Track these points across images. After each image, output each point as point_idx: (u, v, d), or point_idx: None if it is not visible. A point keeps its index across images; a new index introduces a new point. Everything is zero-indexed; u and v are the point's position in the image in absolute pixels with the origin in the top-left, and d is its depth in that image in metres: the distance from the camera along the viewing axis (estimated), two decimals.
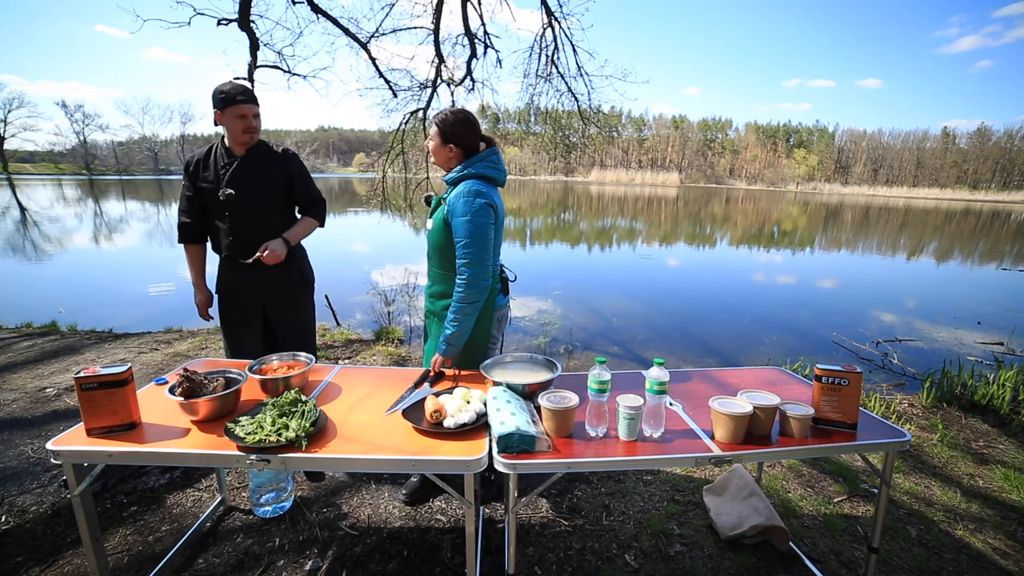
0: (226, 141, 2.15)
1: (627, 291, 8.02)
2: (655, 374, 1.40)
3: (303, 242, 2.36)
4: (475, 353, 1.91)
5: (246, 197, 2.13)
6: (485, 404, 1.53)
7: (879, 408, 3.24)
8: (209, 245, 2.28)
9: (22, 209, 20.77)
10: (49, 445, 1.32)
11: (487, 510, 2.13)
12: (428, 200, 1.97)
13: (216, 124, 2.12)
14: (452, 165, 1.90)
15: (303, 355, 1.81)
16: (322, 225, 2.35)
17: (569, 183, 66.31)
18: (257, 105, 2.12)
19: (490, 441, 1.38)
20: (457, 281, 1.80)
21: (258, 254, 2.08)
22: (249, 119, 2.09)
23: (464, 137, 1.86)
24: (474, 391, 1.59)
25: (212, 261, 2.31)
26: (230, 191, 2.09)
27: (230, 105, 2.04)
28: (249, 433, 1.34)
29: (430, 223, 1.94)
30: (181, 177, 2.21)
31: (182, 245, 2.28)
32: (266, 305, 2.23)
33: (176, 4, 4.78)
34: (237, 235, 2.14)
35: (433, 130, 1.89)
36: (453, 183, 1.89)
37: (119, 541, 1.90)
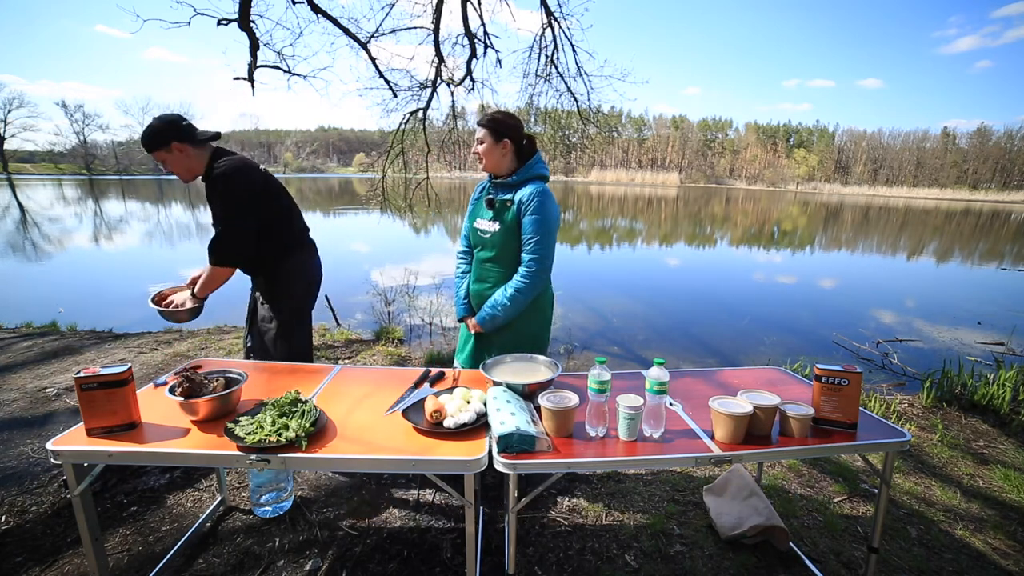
0: None
1: (627, 291, 8.01)
2: (655, 374, 1.40)
3: (299, 252, 2.22)
4: (541, 335, 2.09)
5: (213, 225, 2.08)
6: (485, 404, 1.53)
7: (879, 408, 3.24)
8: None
9: (22, 209, 20.77)
10: (49, 445, 1.32)
11: (487, 510, 2.13)
12: (491, 203, 1.98)
13: None
14: (506, 163, 1.94)
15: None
16: (217, 265, 2.01)
17: (569, 183, 66.28)
18: (156, 150, 1.94)
19: (490, 441, 1.38)
20: (523, 271, 1.91)
21: (166, 294, 2.10)
22: (165, 166, 1.99)
23: (516, 130, 1.93)
24: (474, 391, 1.59)
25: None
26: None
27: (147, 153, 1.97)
28: (249, 433, 1.34)
29: (495, 225, 1.95)
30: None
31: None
32: (253, 314, 2.27)
33: (176, 4, 4.79)
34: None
35: (482, 132, 1.91)
36: (518, 184, 1.93)
37: (119, 541, 1.90)
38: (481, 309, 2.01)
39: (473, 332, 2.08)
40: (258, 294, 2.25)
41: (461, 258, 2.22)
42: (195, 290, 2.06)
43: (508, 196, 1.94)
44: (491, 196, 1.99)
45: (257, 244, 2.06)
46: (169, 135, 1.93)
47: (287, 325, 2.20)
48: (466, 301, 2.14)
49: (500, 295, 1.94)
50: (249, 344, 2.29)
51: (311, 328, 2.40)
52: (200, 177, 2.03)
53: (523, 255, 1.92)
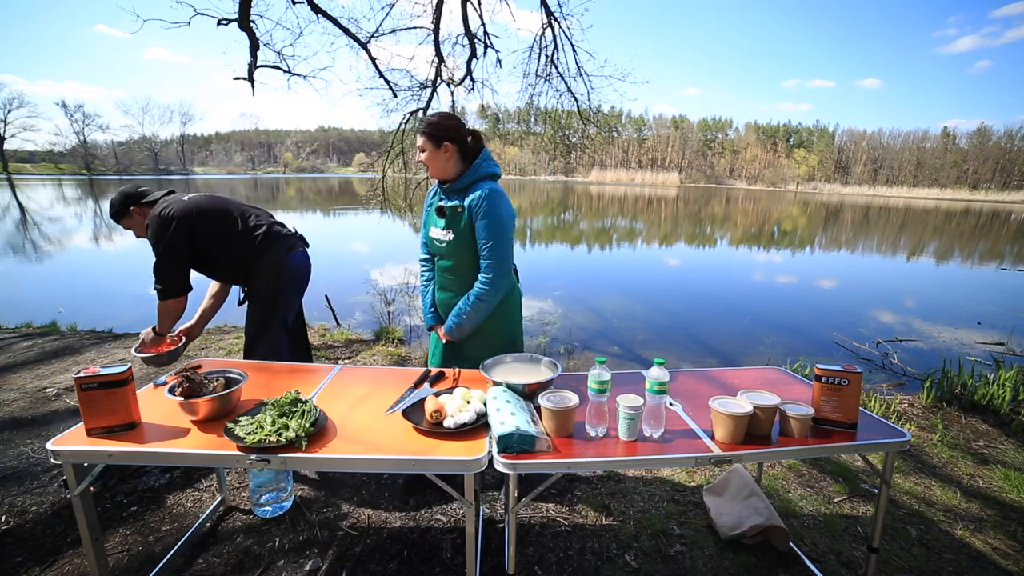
0: None
1: (627, 291, 8.01)
2: (655, 374, 1.40)
3: (273, 249, 2.28)
4: (514, 342, 2.06)
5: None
6: (485, 404, 1.53)
7: (879, 408, 3.24)
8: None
9: (22, 209, 20.77)
10: (49, 445, 1.32)
11: (487, 510, 2.13)
12: (442, 211, 1.92)
13: None
14: (451, 167, 1.88)
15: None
16: (160, 299, 2.17)
17: (569, 183, 66.31)
18: (120, 220, 2.26)
19: (490, 441, 1.38)
20: (481, 278, 1.87)
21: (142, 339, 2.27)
22: (132, 227, 2.27)
23: (456, 131, 1.85)
24: (474, 391, 1.59)
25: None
26: None
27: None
28: (249, 433, 1.34)
29: (448, 234, 1.90)
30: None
31: None
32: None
33: (176, 4, 4.79)
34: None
35: (421, 140, 1.84)
36: (467, 187, 1.87)
37: (119, 541, 1.90)
38: (447, 319, 1.98)
39: (444, 341, 2.06)
40: (247, 296, 2.37)
41: (424, 265, 2.16)
42: (157, 326, 2.25)
43: (457, 202, 1.87)
44: (441, 204, 1.92)
45: (222, 260, 2.27)
46: (128, 203, 2.23)
47: (265, 325, 2.30)
48: (432, 310, 2.11)
49: (463, 303, 1.91)
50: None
51: (305, 325, 2.46)
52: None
53: (481, 261, 1.87)
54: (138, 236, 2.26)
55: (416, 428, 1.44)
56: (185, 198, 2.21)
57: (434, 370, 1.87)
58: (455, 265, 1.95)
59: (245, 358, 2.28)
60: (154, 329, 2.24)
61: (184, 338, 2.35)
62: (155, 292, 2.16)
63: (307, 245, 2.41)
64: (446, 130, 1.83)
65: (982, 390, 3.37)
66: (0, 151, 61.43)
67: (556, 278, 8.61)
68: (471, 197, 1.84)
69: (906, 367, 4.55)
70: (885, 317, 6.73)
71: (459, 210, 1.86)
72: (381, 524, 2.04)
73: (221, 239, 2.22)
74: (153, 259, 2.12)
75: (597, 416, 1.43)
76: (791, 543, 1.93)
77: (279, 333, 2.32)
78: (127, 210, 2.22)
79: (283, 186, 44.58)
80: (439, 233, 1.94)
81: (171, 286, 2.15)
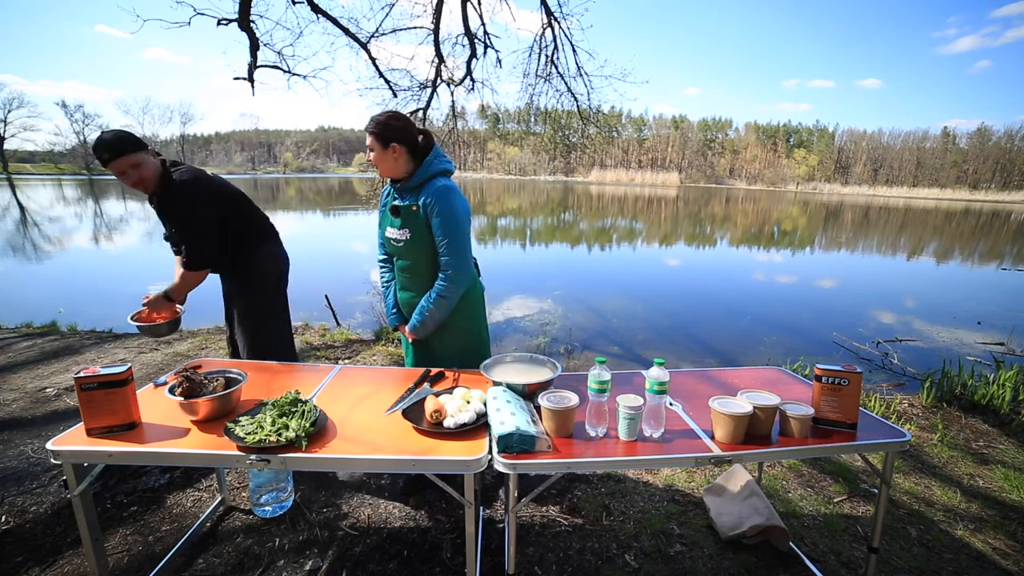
0: None
1: (627, 291, 8.01)
2: (655, 374, 1.40)
3: (268, 243, 2.30)
4: (480, 335, 2.07)
5: (173, 237, 2.16)
6: (485, 404, 1.53)
7: (879, 408, 3.24)
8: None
9: (22, 209, 20.76)
10: (49, 445, 1.32)
11: (487, 510, 2.13)
12: (396, 211, 1.90)
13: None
14: (401, 166, 1.85)
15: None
16: (191, 269, 2.09)
17: (569, 183, 66.29)
18: (129, 155, 1.92)
19: (490, 441, 1.38)
20: (442, 276, 1.87)
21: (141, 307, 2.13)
22: (129, 174, 1.94)
23: (404, 131, 1.83)
24: (474, 391, 1.59)
25: None
26: (167, 233, 2.17)
27: (104, 164, 1.92)
28: (249, 433, 1.34)
29: (405, 233, 1.88)
30: None
31: None
32: (234, 312, 2.30)
33: (176, 4, 4.80)
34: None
35: (369, 139, 1.82)
36: (420, 185, 1.86)
37: (119, 541, 1.90)
38: (411, 318, 1.97)
39: (411, 340, 2.05)
40: (232, 292, 2.30)
41: (383, 266, 2.15)
42: (169, 291, 2.12)
43: (411, 201, 1.85)
44: (396, 203, 1.90)
45: (221, 243, 2.15)
46: (138, 142, 1.97)
47: (263, 316, 2.28)
48: (395, 310, 2.12)
49: (426, 301, 1.90)
50: (234, 340, 2.33)
51: (290, 320, 2.46)
52: (151, 190, 2.05)
53: (440, 258, 1.87)
54: (136, 183, 1.98)
55: (416, 428, 1.44)
56: (207, 171, 2.17)
57: (434, 370, 1.87)
58: (412, 264, 1.95)
59: (248, 351, 2.24)
60: (166, 294, 2.12)
61: (181, 310, 2.20)
62: (182, 260, 2.08)
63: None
64: (394, 131, 1.81)
65: (982, 390, 3.37)
66: (0, 151, 61.41)
67: (556, 278, 8.61)
68: (425, 195, 1.83)
69: (906, 367, 4.55)
70: (885, 317, 6.73)
71: (414, 208, 1.84)
72: (381, 524, 2.04)
73: (240, 221, 2.20)
74: (184, 226, 2.04)
75: (597, 416, 1.43)
76: (791, 543, 1.93)
77: (285, 325, 2.37)
78: (143, 148, 1.97)
79: (283, 186, 44.62)
80: (395, 233, 1.91)
81: (207, 256, 2.10)
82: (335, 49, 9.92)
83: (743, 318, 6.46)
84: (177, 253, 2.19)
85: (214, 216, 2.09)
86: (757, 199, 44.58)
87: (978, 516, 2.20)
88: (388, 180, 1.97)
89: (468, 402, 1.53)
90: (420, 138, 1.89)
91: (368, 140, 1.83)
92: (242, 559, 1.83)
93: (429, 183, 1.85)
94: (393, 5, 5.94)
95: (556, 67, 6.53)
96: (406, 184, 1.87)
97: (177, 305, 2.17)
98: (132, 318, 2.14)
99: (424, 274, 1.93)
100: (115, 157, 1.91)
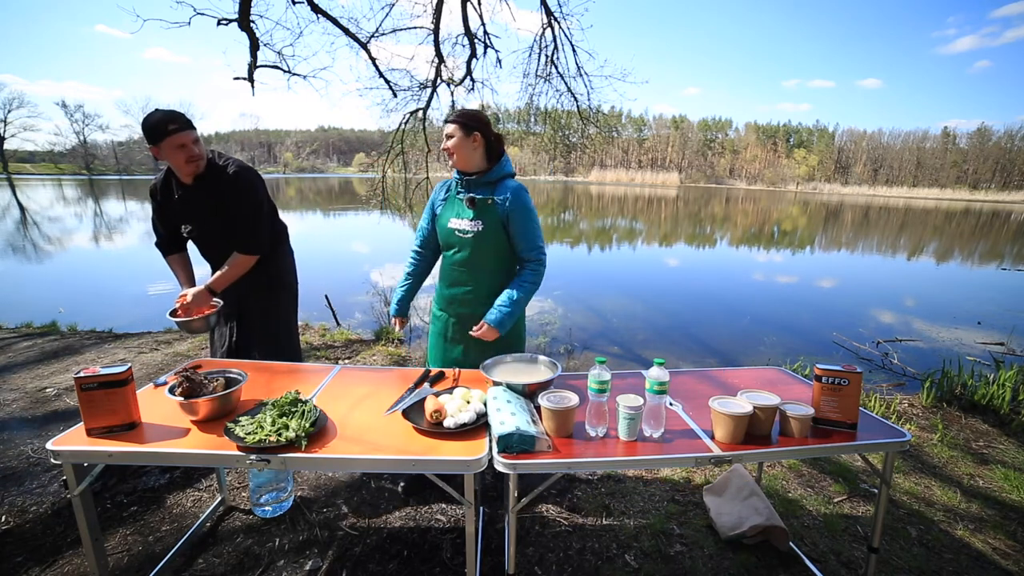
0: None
1: (627, 291, 8.01)
2: (655, 374, 1.40)
3: (286, 242, 2.36)
4: (520, 332, 2.10)
5: (204, 229, 2.11)
6: (485, 404, 1.53)
7: (879, 408, 3.24)
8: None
9: (22, 209, 20.76)
10: (49, 445, 1.32)
11: (487, 510, 2.13)
12: (473, 202, 1.93)
13: (156, 159, 1.98)
14: (476, 158, 1.92)
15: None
16: (254, 254, 2.12)
17: (569, 183, 66.29)
18: (193, 130, 1.94)
19: (490, 441, 1.38)
20: (531, 268, 1.96)
21: (176, 305, 2.03)
22: (190, 147, 1.91)
23: (487, 126, 1.92)
24: (474, 391, 1.59)
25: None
26: (189, 227, 2.13)
27: (164, 137, 1.87)
28: (249, 433, 1.34)
29: (477, 225, 1.91)
30: None
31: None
32: (240, 312, 2.26)
33: (176, 4, 4.79)
34: (209, 261, 2.21)
35: (451, 127, 1.89)
36: (494, 182, 1.94)
37: (119, 541, 1.90)
38: (494, 312, 1.89)
39: (491, 339, 1.92)
40: (250, 291, 2.22)
41: (415, 256, 2.17)
42: (212, 284, 2.07)
43: (488, 195, 1.92)
44: (472, 195, 1.94)
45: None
46: (192, 125, 1.97)
47: (289, 313, 2.33)
48: (399, 304, 2.18)
49: (515, 292, 1.90)
50: (234, 340, 2.26)
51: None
52: (200, 172, 2.01)
53: (523, 252, 1.95)
54: (190, 159, 1.94)
55: (416, 428, 1.44)
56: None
57: (434, 370, 1.87)
58: (474, 256, 1.96)
59: (267, 349, 2.21)
60: (209, 288, 2.06)
61: (218, 303, 2.11)
62: (244, 246, 2.09)
63: None
64: (478, 121, 1.90)
65: (982, 390, 3.37)
66: (0, 151, 61.40)
67: (556, 278, 8.61)
68: (503, 192, 1.91)
69: (906, 367, 4.55)
70: (885, 317, 6.73)
71: (490, 202, 1.91)
72: (381, 524, 2.04)
73: (274, 213, 2.26)
74: (252, 210, 2.08)
75: (597, 416, 1.43)
76: (791, 543, 1.93)
77: (296, 324, 2.43)
78: (195, 131, 1.97)
79: (283, 186, 44.63)
80: (466, 224, 1.94)
81: (267, 240, 2.15)
82: (335, 49, 9.93)
83: (743, 318, 6.46)
84: (198, 245, 2.20)
85: (269, 204, 2.18)
86: (757, 199, 44.58)
87: (978, 516, 2.20)
88: (455, 172, 2.00)
89: (468, 402, 1.53)
90: (493, 139, 1.96)
91: (449, 128, 1.90)
92: (242, 559, 1.83)
93: (503, 182, 1.95)
94: (393, 5, 5.95)
95: (556, 67, 6.53)
96: (482, 178, 1.93)
97: (214, 299, 2.11)
98: (170, 314, 2.06)
99: (481, 268, 1.97)
100: (182, 128, 1.89)
